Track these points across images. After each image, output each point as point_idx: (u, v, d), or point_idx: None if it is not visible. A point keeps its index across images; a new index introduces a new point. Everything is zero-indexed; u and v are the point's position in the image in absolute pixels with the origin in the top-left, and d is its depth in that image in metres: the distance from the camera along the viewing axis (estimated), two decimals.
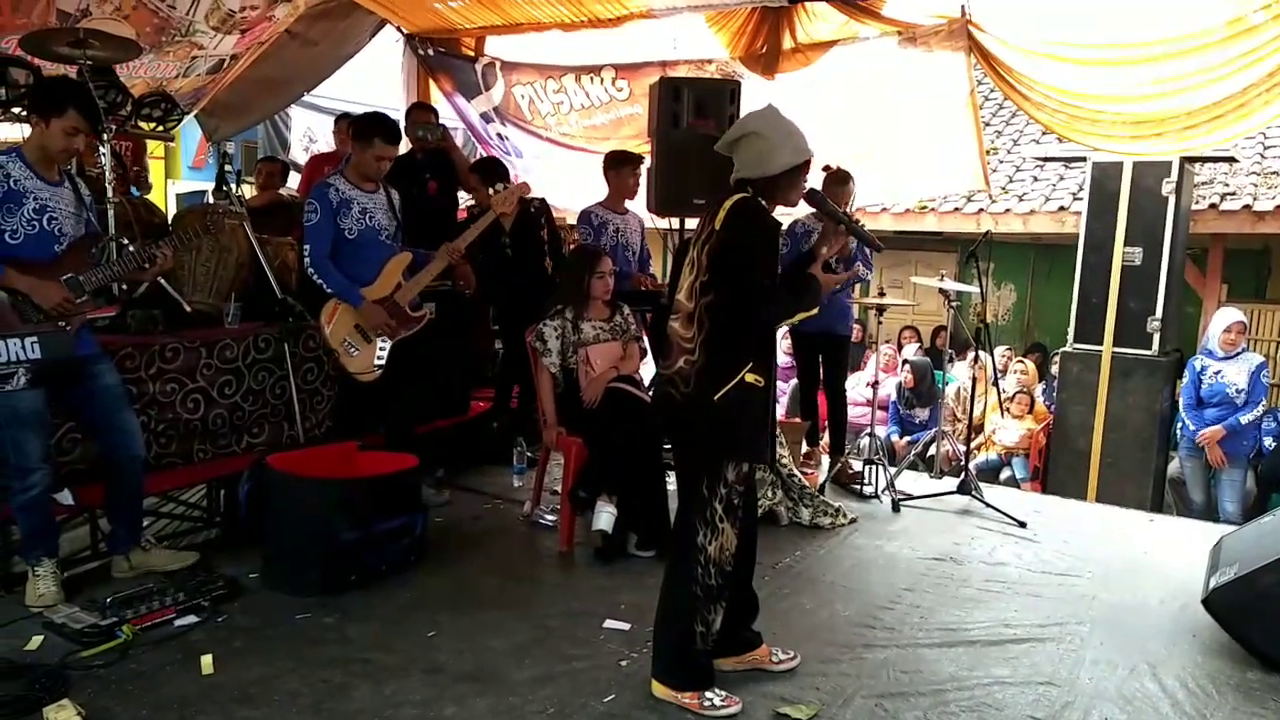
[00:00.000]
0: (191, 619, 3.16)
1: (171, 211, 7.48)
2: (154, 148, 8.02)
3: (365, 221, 4.04)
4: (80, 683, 2.72)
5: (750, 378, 2.64)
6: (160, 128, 4.61)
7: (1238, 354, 6.04)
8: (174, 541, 3.92)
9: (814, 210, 3.06)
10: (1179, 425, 6.73)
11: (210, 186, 5.41)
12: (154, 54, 6.08)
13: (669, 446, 3.06)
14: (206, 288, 4.28)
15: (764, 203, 2.70)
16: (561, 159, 7.05)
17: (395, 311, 4.08)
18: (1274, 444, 6.77)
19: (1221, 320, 6.16)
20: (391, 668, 2.91)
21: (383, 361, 4.08)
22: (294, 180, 7.19)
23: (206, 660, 2.87)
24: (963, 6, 5.25)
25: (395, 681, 2.83)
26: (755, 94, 5.48)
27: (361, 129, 4.05)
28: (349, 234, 4.00)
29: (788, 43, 5.91)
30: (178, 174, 9.84)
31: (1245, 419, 5.97)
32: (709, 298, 2.65)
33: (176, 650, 2.96)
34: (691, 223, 5.21)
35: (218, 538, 4.07)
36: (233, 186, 4.25)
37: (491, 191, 4.55)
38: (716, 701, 2.73)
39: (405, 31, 7.04)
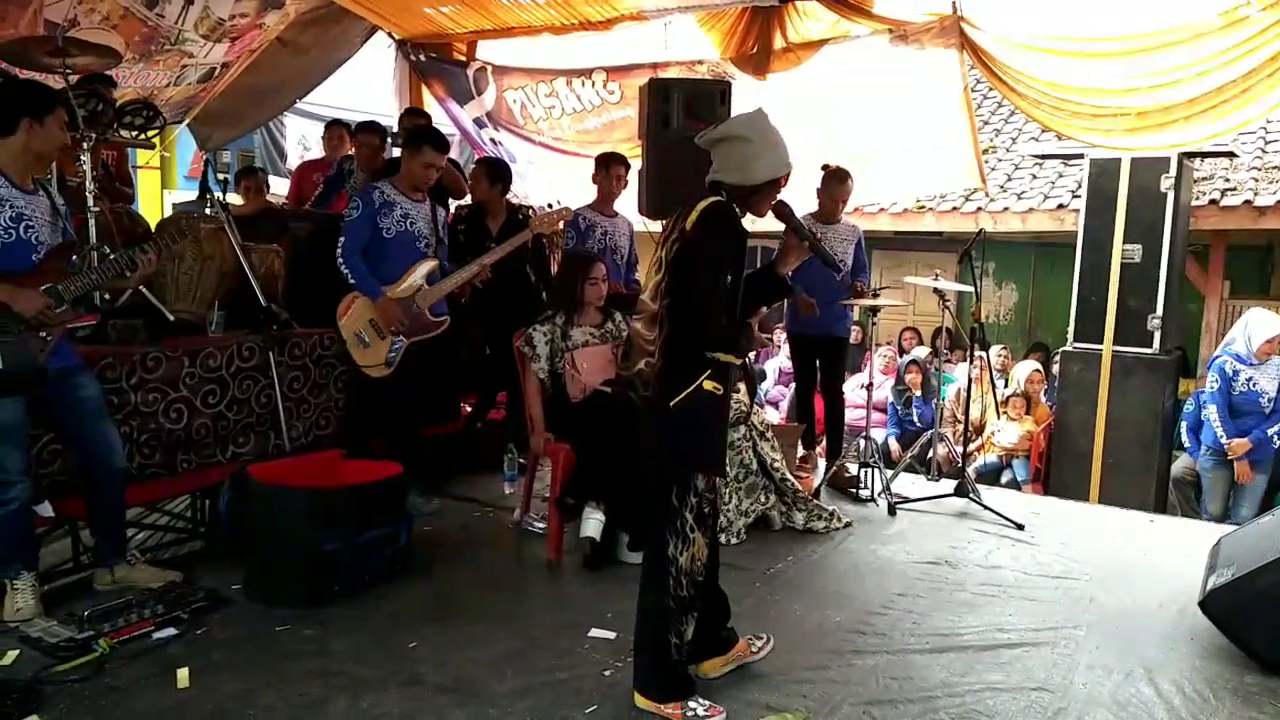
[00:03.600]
0: (170, 632, 3.11)
1: (158, 221, 7.45)
2: (148, 157, 8.03)
3: (405, 225, 4.18)
4: (53, 698, 2.68)
5: (709, 385, 2.58)
6: (142, 136, 4.58)
7: (1268, 360, 5.88)
8: (157, 554, 3.89)
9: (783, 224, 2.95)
10: (1189, 430, 6.63)
11: None
12: (143, 63, 6.08)
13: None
14: (189, 296, 4.24)
15: (736, 209, 2.64)
16: (554, 163, 7.02)
17: (413, 313, 4.15)
18: None
19: (1261, 329, 5.84)
20: (370, 680, 2.86)
21: (395, 359, 4.15)
22: (279, 187, 7.17)
23: (183, 674, 2.82)
24: (954, 3, 5.21)
25: (373, 694, 2.78)
26: (747, 94, 5.44)
27: (412, 138, 4.27)
28: (386, 233, 4.13)
29: (779, 42, 5.88)
30: (174, 184, 9.84)
31: (1272, 430, 5.79)
32: (670, 300, 2.60)
33: (153, 664, 2.91)
34: None
35: (202, 549, 4.04)
36: (218, 193, 4.23)
37: (533, 211, 4.71)
38: (700, 711, 2.68)
39: (396, 37, 7.04)
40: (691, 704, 2.69)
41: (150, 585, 3.43)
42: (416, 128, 4.38)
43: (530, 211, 4.97)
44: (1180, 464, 6.92)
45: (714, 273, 2.54)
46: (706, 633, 2.86)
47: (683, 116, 4.83)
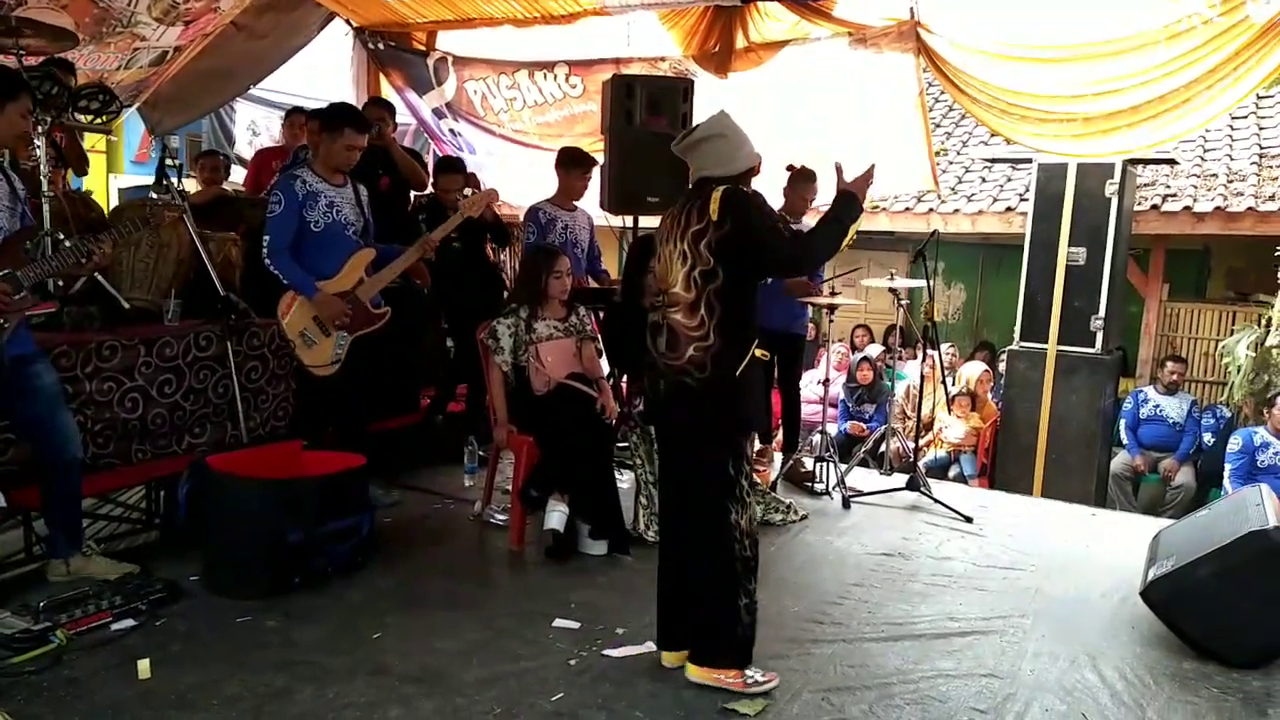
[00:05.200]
0: (129, 623, 3.08)
1: (113, 206, 7.29)
2: (95, 141, 7.83)
3: (332, 215, 4.00)
4: (10, 690, 2.64)
5: (759, 352, 2.84)
6: (98, 120, 4.49)
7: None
8: (111, 545, 3.83)
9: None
10: (1127, 428, 6.89)
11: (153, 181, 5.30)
12: (94, 45, 5.93)
13: (662, 441, 3.08)
14: (145, 284, 4.17)
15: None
16: (515, 155, 7.00)
17: (355, 306, 4.04)
18: (1213, 440, 6.97)
19: None
20: (336, 670, 2.87)
21: (341, 355, 4.05)
22: (236, 174, 7.05)
23: (144, 665, 2.79)
24: (911, 8, 5.31)
25: (339, 684, 2.78)
26: (708, 93, 5.50)
27: (331, 119, 4.03)
28: (315, 227, 3.95)
29: (740, 42, 5.93)
30: (120, 168, 9.60)
31: None
32: (716, 283, 2.74)
33: (112, 655, 2.88)
34: (645, 221, 5.23)
35: (157, 540, 3.99)
36: (174, 180, 4.15)
37: (461, 197, 4.59)
38: (758, 677, 2.85)
39: (354, 25, 6.95)
40: (749, 671, 2.85)
41: (107, 577, 3.38)
42: (333, 107, 4.15)
43: (459, 196, 4.93)
44: (1119, 460, 7.18)
45: (774, 230, 2.82)
46: (680, 622, 2.95)
47: (645, 113, 4.88)
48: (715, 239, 2.72)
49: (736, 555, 2.83)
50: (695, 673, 2.86)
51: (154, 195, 4.27)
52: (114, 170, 9.52)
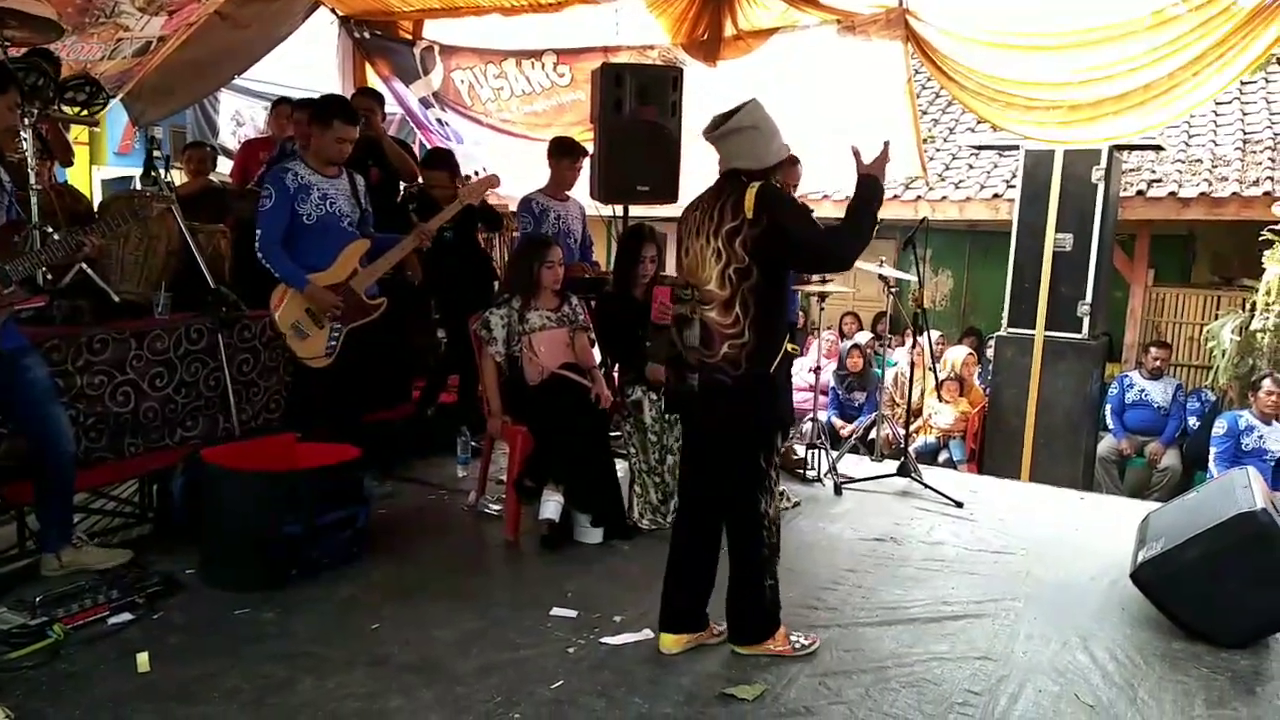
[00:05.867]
0: (126, 617, 3.08)
1: (96, 198, 7.23)
2: (78, 132, 7.75)
3: (325, 207, 3.97)
4: (8, 685, 2.64)
5: (790, 347, 2.94)
6: (85, 112, 4.45)
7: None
8: (106, 539, 3.82)
9: None
10: (1113, 413, 6.95)
11: (137, 172, 5.25)
12: (77, 36, 5.87)
13: (691, 434, 3.13)
14: (135, 277, 4.15)
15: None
16: (502, 145, 6.97)
17: (349, 297, 4.02)
18: (1198, 424, 7.04)
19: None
20: (335, 661, 2.88)
21: (335, 347, 4.03)
22: (223, 165, 7.00)
23: (142, 658, 2.79)
24: None
25: (339, 675, 2.80)
26: (697, 81, 5.50)
27: (321, 111, 3.99)
28: (307, 219, 3.92)
29: (729, 30, 5.93)
30: (103, 160, 9.52)
31: None
32: (751, 281, 2.76)
33: (111, 649, 2.88)
34: (635, 210, 5.23)
35: (151, 534, 3.97)
36: (161, 172, 4.13)
37: (459, 183, 4.54)
38: (803, 640, 3.05)
39: (340, 14, 6.90)
40: (793, 636, 3.03)
41: (101, 566, 3.38)
42: (323, 100, 4.11)
43: (459, 182, 4.91)
44: (1106, 444, 7.24)
45: (810, 226, 2.84)
46: (687, 606, 3.02)
47: (635, 102, 4.87)
48: (750, 236, 2.73)
49: (765, 542, 2.95)
50: (743, 649, 3.01)
51: (141, 187, 4.25)
52: (97, 162, 9.44)
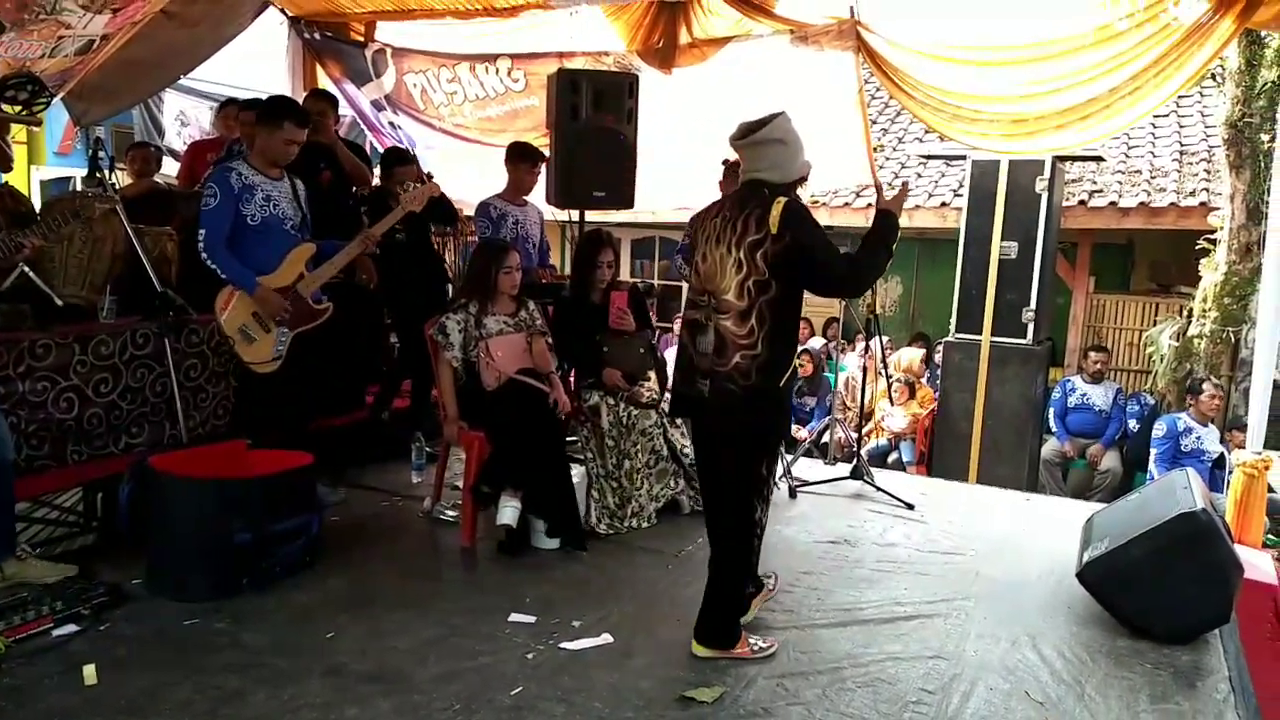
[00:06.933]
0: (71, 628, 3.00)
1: (35, 199, 7.03)
2: (16, 131, 7.53)
3: (269, 209, 3.91)
4: None
5: (797, 362, 2.97)
6: (26, 112, 4.31)
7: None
8: (48, 549, 3.71)
9: None
10: (1055, 416, 7.12)
11: (78, 173, 5.11)
12: (16, 33, 5.71)
13: (700, 440, 3.17)
14: (79, 280, 4.04)
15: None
16: (455, 149, 6.94)
17: (295, 302, 3.96)
18: (1138, 427, 7.25)
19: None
20: (290, 671, 2.83)
21: (282, 351, 3.96)
22: (170, 166, 6.86)
23: (89, 670, 2.73)
24: (851, 7, 5.41)
25: (294, 685, 2.75)
26: (653, 88, 5.53)
27: (270, 112, 3.94)
28: (251, 220, 3.86)
29: (684, 38, 5.97)
30: (42, 160, 9.25)
31: None
32: (769, 295, 2.79)
33: (56, 662, 2.81)
34: (591, 215, 5.24)
35: (95, 543, 3.87)
36: (106, 173, 4.03)
37: (401, 189, 4.50)
38: (762, 644, 3.09)
39: (290, 14, 6.81)
40: (752, 639, 3.08)
41: (45, 580, 3.28)
42: (273, 100, 4.07)
43: (398, 190, 4.85)
44: (1049, 447, 7.42)
45: (832, 249, 2.85)
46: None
47: (591, 108, 4.88)
48: (773, 251, 2.76)
49: (753, 548, 3.10)
50: (702, 650, 3.03)
51: (84, 188, 4.14)
52: (35, 162, 9.18)
